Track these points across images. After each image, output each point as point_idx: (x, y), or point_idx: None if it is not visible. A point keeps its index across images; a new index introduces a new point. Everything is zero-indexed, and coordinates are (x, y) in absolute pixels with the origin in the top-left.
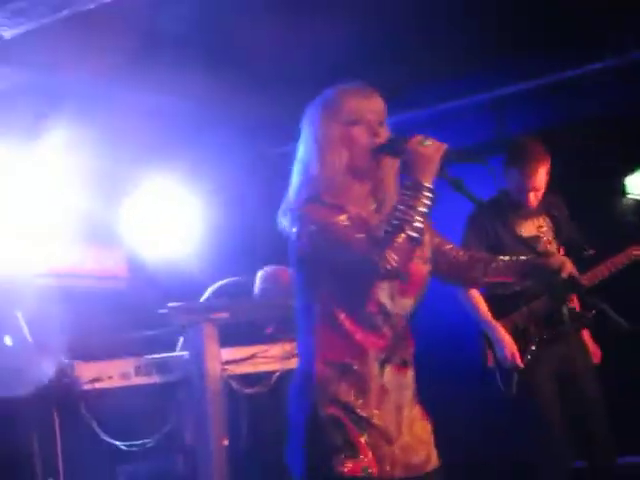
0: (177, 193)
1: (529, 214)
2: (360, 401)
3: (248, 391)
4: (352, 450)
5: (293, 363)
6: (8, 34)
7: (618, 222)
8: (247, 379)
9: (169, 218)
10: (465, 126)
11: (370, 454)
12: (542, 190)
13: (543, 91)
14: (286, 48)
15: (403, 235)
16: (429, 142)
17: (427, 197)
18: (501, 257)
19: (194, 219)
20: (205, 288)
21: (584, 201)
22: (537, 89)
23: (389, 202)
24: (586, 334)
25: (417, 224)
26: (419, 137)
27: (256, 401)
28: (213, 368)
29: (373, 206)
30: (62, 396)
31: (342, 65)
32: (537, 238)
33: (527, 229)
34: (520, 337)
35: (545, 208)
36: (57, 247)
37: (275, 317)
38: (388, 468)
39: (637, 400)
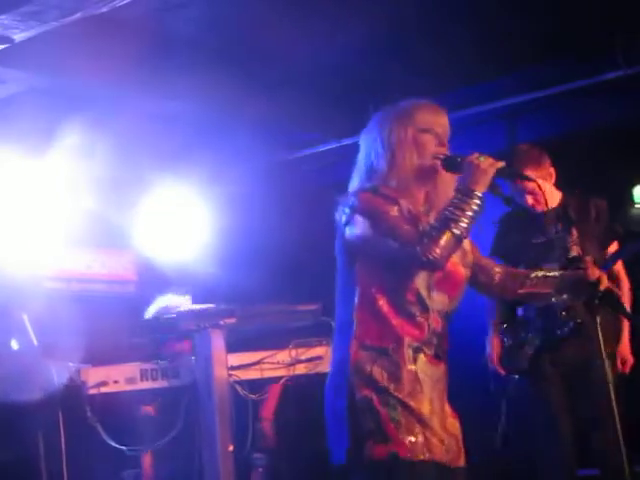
0: (187, 198)
1: (544, 220)
2: (392, 385)
3: (254, 397)
4: (382, 435)
5: (299, 369)
6: (18, 37)
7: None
8: (253, 385)
9: (179, 222)
10: (477, 135)
11: (401, 438)
12: (540, 195)
13: (554, 100)
14: (301, 56)
15: (447, 231)
16: (485, 158)
17: (475, 203)
18: (537, 271)
19: (204, 223)
20: (214, 293)
21: None
22: (548, 98)
23: (438, 209)
24: (624, 342)
25: (463, 224)
26: (476, 154)
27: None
28: (220, 373)
29: (423, 209)
30: (68, 400)
31: (356, 74)
32: (551, 244)
33: (542, 236)
34: (520, 342)
35: (563, 212)
36: (66, 250)
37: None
38: (421, 450)
39: None
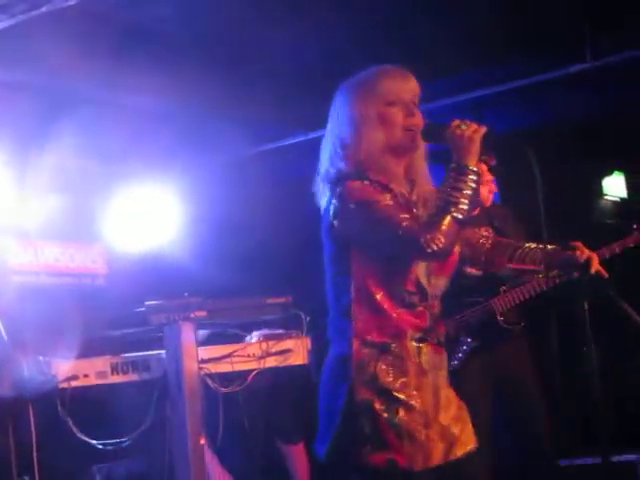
0: (157, 191)
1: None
2: (399, 382)
3: (225, 390)
4: (380, 441)
5: (269, 362)
6: None
7: (595, 224)
8: (224, 378)
9: (148, 216)
10: None
11: (400, 446)
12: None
13: (521, 93)
14: (268, 49)
15: (449, 217)
16: (468, 124)
17: (472, 180)
18: (528, 244)
19: (173, 217)
20: (185, 286)
21: (561, 202)
22: (515, 91)
23: (420, 183)
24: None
25: (462, 206)
26: (457, 121)
27: (233, 400)
28: (190, 367)
29: (408, 186)
30: (38, 394)
31: (320, 70)
32: None
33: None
34: (451, 344)
35: (488, 218)
36: (35, 244)
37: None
38: (421, 458)
39: None
